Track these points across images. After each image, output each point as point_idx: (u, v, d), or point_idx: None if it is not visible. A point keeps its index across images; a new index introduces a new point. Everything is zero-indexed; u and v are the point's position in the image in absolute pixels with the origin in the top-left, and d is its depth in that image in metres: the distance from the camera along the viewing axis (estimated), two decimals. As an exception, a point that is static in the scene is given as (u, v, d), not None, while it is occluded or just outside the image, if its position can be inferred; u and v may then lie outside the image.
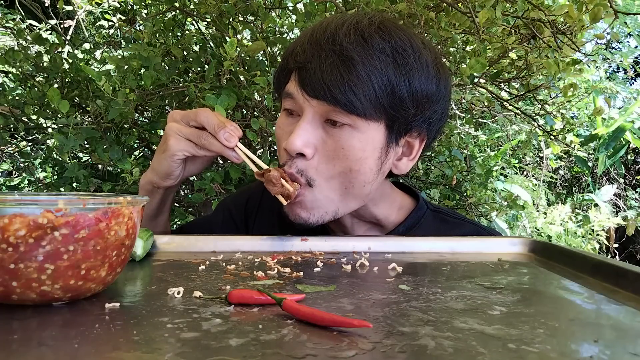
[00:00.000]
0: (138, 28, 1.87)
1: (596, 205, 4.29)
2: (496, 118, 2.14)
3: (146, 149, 1.90)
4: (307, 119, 0.68)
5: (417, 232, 0.83)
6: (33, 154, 2.37)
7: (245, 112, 1.64)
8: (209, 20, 1.53)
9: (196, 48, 1.66)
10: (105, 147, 1.49)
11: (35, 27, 1.99)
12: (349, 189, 0.71)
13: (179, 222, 2.35)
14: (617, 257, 4.38)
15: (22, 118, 1.67)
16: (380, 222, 0.83)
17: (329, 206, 0.72)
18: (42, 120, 1.77)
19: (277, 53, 1.53)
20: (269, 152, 1.74)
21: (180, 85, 1.52)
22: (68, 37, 2.04)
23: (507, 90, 1.77)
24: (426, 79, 0.68)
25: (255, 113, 1.53)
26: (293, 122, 0.71)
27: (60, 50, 1.78)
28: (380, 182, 0.75)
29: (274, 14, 1.61)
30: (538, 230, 3.52)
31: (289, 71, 0.72)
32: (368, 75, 0.64)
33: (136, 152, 1.95)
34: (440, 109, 0.72)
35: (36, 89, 1.56)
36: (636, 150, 5.12)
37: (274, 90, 0.80)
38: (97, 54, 1.95)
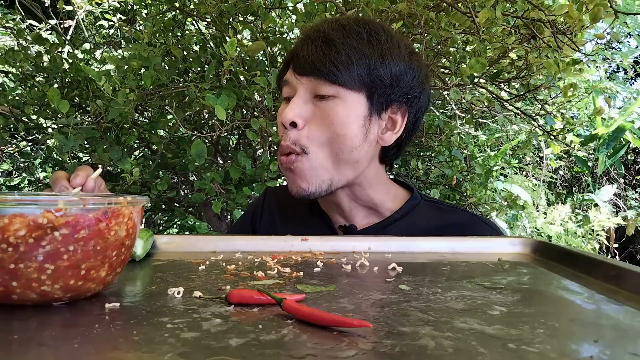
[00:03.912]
0: (138, 28, 1.87)
1: (596, 205, 4.29)
2: (496, 118, 2.14)
3: (146, 149, 1.90)
4: (299, 95, 0.77)
5: (411, 217, 0.87)
6: (33, 154, 2.37)
7: (245, 112, 1.64)
8: (209, 20, 1.53)
9: (196, 48, 1.66)
10: (105, 147, 1.49)
11: (35, 27, 1.99)
12: (339, 155, 0.78)
13: (179, 222, 2.35)
14: (617, 257, 4.38)
15: (22, 118, 1.67)
16: (377, 207, 0.87)
17: (324, 174, 0.78)
18: (42, 120, 1.78)
19: (277, 53, 1.53)
20: (269, 152, 1.74)
21: (180, 85, 1.52)
22: (68, 37, 2.04)
23: (507, 90, 1.77)
24: (397, 57, 0.78)
25: (255, 113, 1.53)
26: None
27: (60, 50, 1.78)
28: (367, 151, 0.80)
29: (274, 14, 1.61)
30: (538, 230, 3.52)
31: (288, 65, 0.81)
32: (347, 52, 0.75)
33: (136, 152, 1.95)
34: (417, 87, 0.81)
35: (36, 89, 1.56)
36: (636, 150, 5.12)
37: (276, 88, 0.89)
38: (97, 54, 1.95)
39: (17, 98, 1.62)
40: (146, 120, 1.80)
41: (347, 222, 0.88)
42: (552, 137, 1.71)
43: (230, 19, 1.46)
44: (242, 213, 1.17)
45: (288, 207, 0.97)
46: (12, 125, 1.75)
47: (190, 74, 1.61)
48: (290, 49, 0.83)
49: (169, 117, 1.74)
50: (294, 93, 0.79)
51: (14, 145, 2.12)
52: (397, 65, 0.77)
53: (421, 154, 2.27)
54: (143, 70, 1.44)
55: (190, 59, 1.57)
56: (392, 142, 0.83)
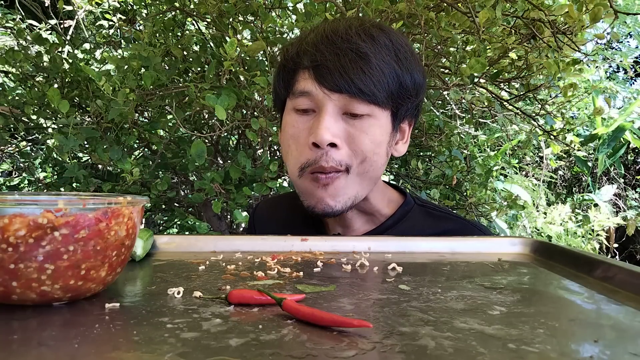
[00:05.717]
0: (138, 28, 1.87)
1: (596, 205, 4.29)
2: (496, 118, 2.14)
3: (146, 149, 1.90)
4: (329, 112, 0.72)
5: (404, 224, 0.87)
6: (33, 154, 2.37)
7: (245, 112, 1.64)
8: (209, 20, 1.53)
9: (196, 48, 1.66)
10: (105, 147, 1.49)
11: (35, 27, 1.99)
12: (369, 172, 0.76)
13: (179, 222, 2.35)
14: (617, 257, 4.38)
15: (22, 118, 1.67)
16: (375, 214, 0.87)
17: (352, 192, 0.77)
18: (42, 120, 1.78)
19: (277, 53, 1.53)
20: (269, 152, 1.74)
21: (180, 85, 1.52)
22: (68, 37, 2.04)
23: (507, 90, 1.77)
24: (419, 71, 0.76)
25: (255, 113, 1.53)
26: (309, 119, 0.75)
27: (60, 50, 1.78)
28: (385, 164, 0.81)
29: (274, 14, 1.61)
30: (538, 230, 3.52)
31: (295, 71, 0.75)
32: (381, 68, 0.71)
33: (136, 152, 1.95)
34: (424, 96, 0.82)
35: (36, 89, 1.56)
36: (636, 150, 5.12)
37: (274, 90, 0.83)
38: (97, 54, 1.95)
39: (17, 98, 1.62)
40: (146, 120, 1.80)
41: (343, 229, 0.88)
42: (552, 137, 1.71)
43: (230, 19, 1.46)
44: (242, 214, 1.16)
45: (280, 218, 0.96)
46: (12, 125, 1.75)
47: (190, 74, 1.61)
48: (297, 49, 0.75)
49: (169, 117, 1.74)
50: (315, 107, 0.74)
51: (14, 145, 2.12)
52: (419, 79, 0.76)
53: (421, 154, 2.27)
54: (143, 70, 1.44)
55: (190, 59, 1.57)
56: (404, 152, 0.83)
